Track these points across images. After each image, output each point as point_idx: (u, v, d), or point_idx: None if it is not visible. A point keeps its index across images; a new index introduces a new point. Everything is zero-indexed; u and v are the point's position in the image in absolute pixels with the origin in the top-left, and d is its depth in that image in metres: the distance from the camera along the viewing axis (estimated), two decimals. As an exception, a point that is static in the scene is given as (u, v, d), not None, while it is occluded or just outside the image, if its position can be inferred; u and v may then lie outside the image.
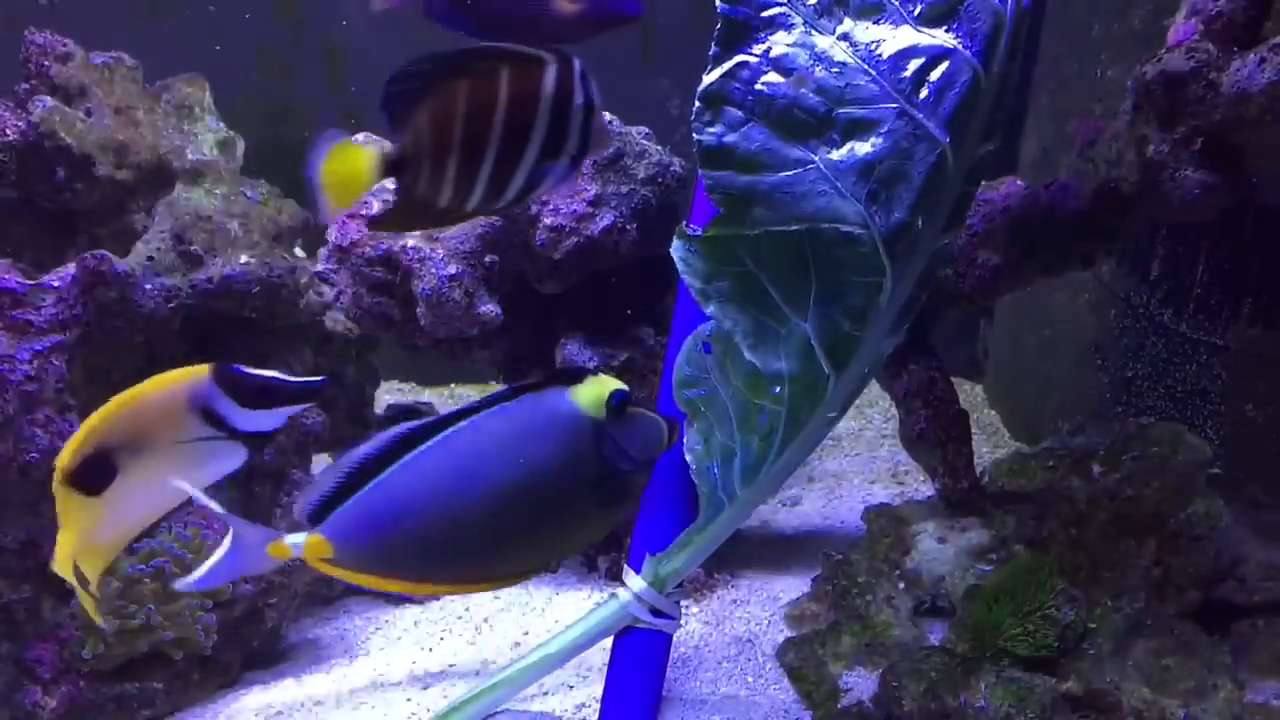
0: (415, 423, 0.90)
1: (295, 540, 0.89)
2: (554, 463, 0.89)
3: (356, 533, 0.89)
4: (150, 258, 1.38)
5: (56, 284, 1.25)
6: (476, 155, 0.90)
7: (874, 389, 1.99)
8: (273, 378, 1.01)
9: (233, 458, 1.04)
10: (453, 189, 0.91)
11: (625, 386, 0.91)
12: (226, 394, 0.98)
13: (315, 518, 0.89)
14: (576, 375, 0.91)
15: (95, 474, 0.97)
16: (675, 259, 0.96)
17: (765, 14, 0.90)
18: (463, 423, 0.90)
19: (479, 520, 0.89)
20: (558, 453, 0.89)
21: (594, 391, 0.90)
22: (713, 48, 0.91)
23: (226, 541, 0.89)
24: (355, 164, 0.90)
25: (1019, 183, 1.30)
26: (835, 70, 0.89)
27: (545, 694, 1.26)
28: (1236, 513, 1.21)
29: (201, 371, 0.98)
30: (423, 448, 0.89)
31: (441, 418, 0.90)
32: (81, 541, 0.99)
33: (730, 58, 0.90)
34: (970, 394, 2.12)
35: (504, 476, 0.89)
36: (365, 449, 0.90)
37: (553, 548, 0.97)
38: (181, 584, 0.91)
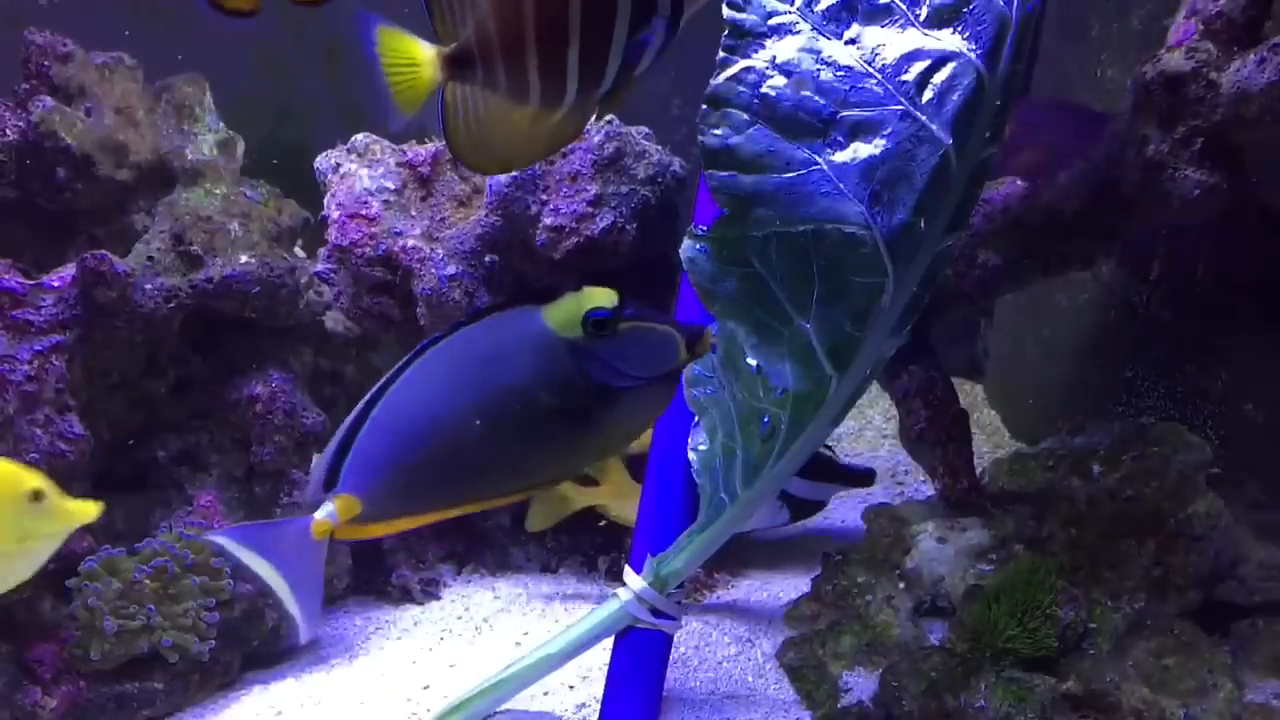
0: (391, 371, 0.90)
1: (324, 512, 0.87)
2: (527, 381, 0.88)
3: (371, 476, 0.88)
4: (150, 258, 1.38)
5: (56, 284, 1.25)
6: (559, 39, 0.75)
7: (874, 389, 1.99)
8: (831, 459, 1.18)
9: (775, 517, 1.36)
10: (540, 83, 0.77)
11: (609, 304, 0.88)
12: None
13: (328, 485, 0.88)
14: (551, 295, 0.89)
15: None
16: (684, 259, 0.96)
17: (772, 21, 0.90)
18: (434, 348, 0.89)
19: (473, 436, 0.88)
20: (529, 371, 0.88)
21: (568, 310, 0.88)
22: (720, 52, 0.91)
23: (268, 569, 0.87)
24: (413, 53, 0.74)
25: (1019, 183, 1.30)
26: (840, 73, 0.89)
27: (545, 694, 1.26)
28: (1236, 513, 1.21)
29: None
30: (401, 378, 0.88)
31: (414, 352, 0.89)
32: None
33: (736, 62, 0.91)
34: (970, 394, 2.12)
35: (480, 395, 0.88)
36: (353, 413, 0.89)
37: (561, 463, 0.96)
38: (305, 636, 0.90)
